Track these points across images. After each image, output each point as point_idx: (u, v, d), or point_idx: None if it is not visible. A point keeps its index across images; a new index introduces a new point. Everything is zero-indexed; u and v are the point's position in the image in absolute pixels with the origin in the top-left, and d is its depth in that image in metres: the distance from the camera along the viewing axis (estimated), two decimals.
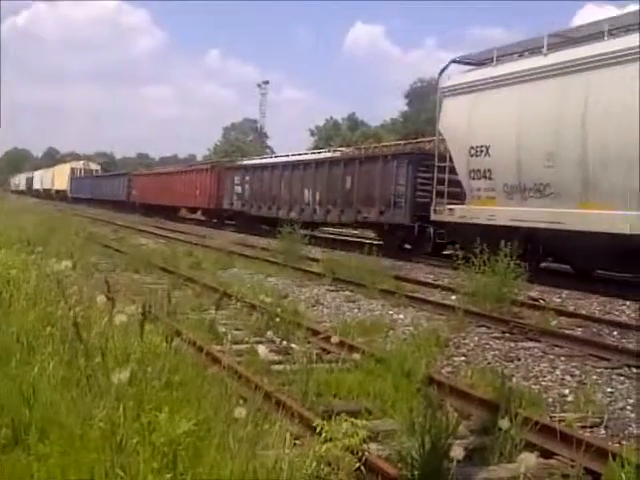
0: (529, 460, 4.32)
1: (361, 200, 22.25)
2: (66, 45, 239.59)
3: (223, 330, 7.90)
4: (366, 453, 4.14)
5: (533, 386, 6.70)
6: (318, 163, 25.97)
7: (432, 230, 18.91)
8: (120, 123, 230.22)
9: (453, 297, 11.87)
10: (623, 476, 3.85)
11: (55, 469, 3.59)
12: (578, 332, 9.54)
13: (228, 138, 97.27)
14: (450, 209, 17.08)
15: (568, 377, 7.12)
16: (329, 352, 7.32)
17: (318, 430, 4.25)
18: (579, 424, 5.50)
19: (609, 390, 6.63)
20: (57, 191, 74.61)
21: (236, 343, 7.47)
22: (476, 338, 8.93)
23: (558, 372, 7.32)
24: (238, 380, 5.55)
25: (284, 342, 7.63)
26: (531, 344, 8.68)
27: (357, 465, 4.02)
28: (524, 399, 5.75)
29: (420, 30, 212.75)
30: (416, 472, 4.12)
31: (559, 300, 12.42)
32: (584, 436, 4.82)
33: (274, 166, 29.52)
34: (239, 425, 3.94)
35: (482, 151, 15.89)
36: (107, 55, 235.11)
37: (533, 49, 15.72)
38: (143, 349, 4.43)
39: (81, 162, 79.10)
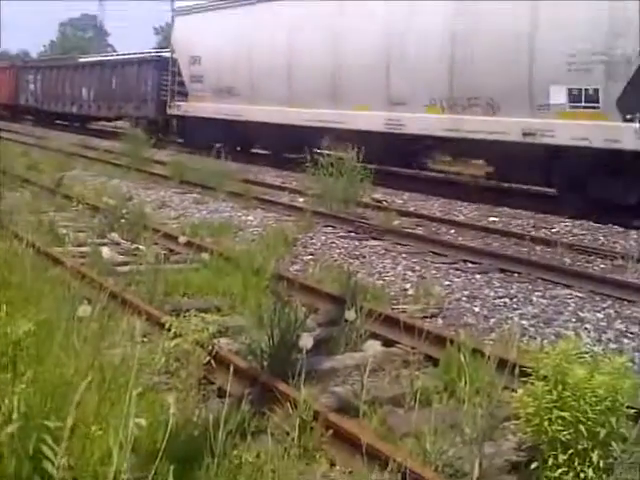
0: (374, 348, 4.55)
1: (122, 98, 25.97)
2: None
3: (64, 232, 7.57)
4: (216, 347, 4.15)
5: (377, 281, 6.94)
6: (92, 65, 29.58)
7: (175, 122, 22.97)
8: None
9: (301, 199, 11.99)
10: (461, 357, 4.11)
11: None
12: (419, 231, 9.94)
13: (65, 34, 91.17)
14: (178, 105, 21.37)
15: (409, 272, 7.44)
16: (177, 253, 7.23)
17: (167, 327, 4.19)
18: (419, 315, 5.79)
19: (446, 283, 7.00)
20: None
21: (78, 245, 7.20)
22: (323, 238, 9.11)
23: (400, 268, 7.62)
24: (81, 281, 5.37)
25: (130, 244, 7.43)
26: (375, 242, 8.97)
27: (207, 359, 4.02)
28: (369, 293, 5.97)
29: None
30: (265, 363, 4.19)
31: (401, 202, 12.85)
32: (424, 325, 5.08)
33: (59, 67, 32.96)
34: (83, 324, 3.82)
35: (197, 60, 20.29)
36: None
37: None
38: None
39: None
